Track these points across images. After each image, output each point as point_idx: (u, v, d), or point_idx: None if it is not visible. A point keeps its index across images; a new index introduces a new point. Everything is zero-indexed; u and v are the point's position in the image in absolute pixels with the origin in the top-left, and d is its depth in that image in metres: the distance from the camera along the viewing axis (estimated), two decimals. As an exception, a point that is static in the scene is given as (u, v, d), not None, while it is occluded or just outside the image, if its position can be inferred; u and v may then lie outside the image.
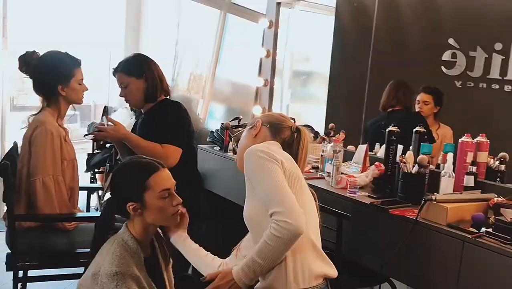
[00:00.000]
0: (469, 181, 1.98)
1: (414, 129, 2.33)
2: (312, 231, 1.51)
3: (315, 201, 1.63)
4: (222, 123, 2.99)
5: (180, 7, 4.25)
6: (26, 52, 2.25)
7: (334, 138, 2.56)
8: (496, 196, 1.85)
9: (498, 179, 2.14)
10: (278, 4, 3.22)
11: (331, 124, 3.24)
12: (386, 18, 3.03)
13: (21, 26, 4.32)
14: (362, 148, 2.53)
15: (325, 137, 2.81)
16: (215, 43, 4.19)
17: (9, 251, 2.16)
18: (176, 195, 1.63)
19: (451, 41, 2.76)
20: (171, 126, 2.35)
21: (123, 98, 2.44)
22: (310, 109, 4.27)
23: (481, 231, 1.64)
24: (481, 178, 2.12)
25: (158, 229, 1.76)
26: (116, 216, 1.69)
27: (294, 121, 1.77)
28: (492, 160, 2.22)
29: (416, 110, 2.84)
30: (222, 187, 2.90)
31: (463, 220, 1.75)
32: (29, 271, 2.33)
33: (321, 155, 2.54)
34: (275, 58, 3.27)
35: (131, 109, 3.68)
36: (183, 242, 1.73)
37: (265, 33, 3.29)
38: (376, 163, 2.35)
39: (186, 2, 4.20)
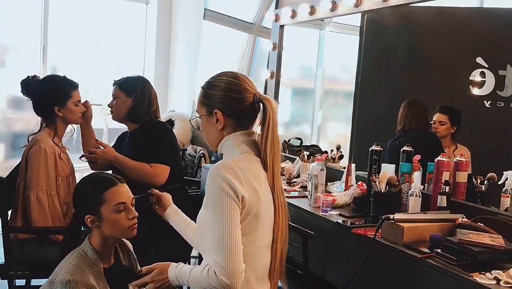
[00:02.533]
0: (441, 201, 1.94)
1: (402, 149, 2.31)
2: (257, 272, 1.48)
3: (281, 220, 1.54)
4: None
5: (201, 30, 4.42)
6: (27, 76, 2.45)
7: (317, 157, 2.56)
8: (464, 217, 1.80)
9: (478, 200, 2.07)
10: (282, 26, 3.29)
11: (338, 144, 3.25)
12: (411, 38, 3.03)
13: (59, 52, 4.66)
14: (352, 167, 2.52)
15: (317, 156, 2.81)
16: (240, 65, 4.31)
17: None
18: (132, 209, 1.71)
19: (479, 60, 2.70)
20: (157, 145, 2.45)
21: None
22: (340, 129, 4.27)
23: (432, 252, 1.60)
24: (461, 198, 2.07)
25: (124, 240, 1.84)
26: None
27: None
28: (477, 180, 2.16)
29: (432, 130, 2.79)
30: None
31: (423, 240, 1.72)
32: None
33: (308, 174, 2.56)
34: (279, 80, 3.34)
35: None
36: (173, 217, 1.82)
37: (270, 55, 3.37)
38: (359, 183, 2.34)
39: (207, 24, 4.36)
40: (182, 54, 4.87)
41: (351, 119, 3.23)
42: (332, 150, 3.06)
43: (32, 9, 4.49)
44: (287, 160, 3.06)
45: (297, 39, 4.02)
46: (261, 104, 1.48)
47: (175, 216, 1.82)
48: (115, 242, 1.78)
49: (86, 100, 2.58)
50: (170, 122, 4.27)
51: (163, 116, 4.35)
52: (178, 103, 4.86)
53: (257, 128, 1.51)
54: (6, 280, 2.30)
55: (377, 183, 2.01)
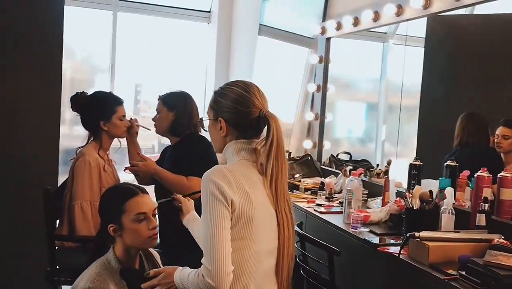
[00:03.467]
0: (480, 219, 1.79)
1: (445, 163, 2.18)
2: (257, 279, 1.47)
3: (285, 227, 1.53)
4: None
5: (256, 45, 4.47)
6: (76, 92, 2.60)
7: (353, 171, 2.48)
8: (502, 237, 1.65)
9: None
10: (328, 39, 3.25)
11: (389, 159, 3.12)
12: (479, 47, 2.87)
13: (125, 70, 4.96)
14: (391, 182, 2.41)
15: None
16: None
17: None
18: (153, 219, 1.75)
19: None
20: (195, 159, 2.49)
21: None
22: (405, 144, 4.13)
23: (456, 273, 1.48)
24: (506, 217, 1.90)
25: (151, 250, 1.89)
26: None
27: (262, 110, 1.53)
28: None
29: (495, 145, 2.61)
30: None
31: (452, 260, 1.59)
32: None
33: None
34: (326, 93, 3.28)
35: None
36: (191, 225, 1.84)
37: (316, 68, 3.33)
38: (397, 199, 2.23)
39: (263, 39, 4.41)
40: (238, 70, 4.96)
41: (416, 133, 3.10)
42: (378, 165, 2.95)
43: (103, 33, 4.83)
44: (332, 175, 2.99)
45: (359, 52, 3.95)
46: (266, 121, 1.49)
47: (193, 224, 1.83)
48: (138, 252, 1.82)
49: (131, 118, 2.70)
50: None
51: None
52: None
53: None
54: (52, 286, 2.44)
55: (409, 198, 1.90)
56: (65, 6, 3.37)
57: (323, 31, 3.26)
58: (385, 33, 3.64)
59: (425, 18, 2.75)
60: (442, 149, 2.91)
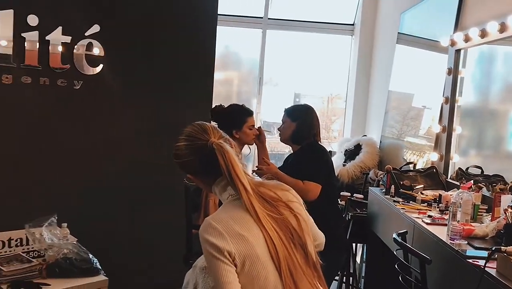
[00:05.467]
0: None
1: None
2: None
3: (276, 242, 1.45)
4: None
5: (394, 52, 4.52)
6: (216, 105, 3.05)
7: (462, 185, 2.45)
8: None
9: None
10: (458, 51, 3.20)
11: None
12: None
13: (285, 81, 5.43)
14: (507, 198, 2.34)
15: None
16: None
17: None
18: None
19: None
20: (312, 165, 2.75)
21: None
22: None
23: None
24: None
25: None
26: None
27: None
28: None
29: None
30: (381, 228, 3.06)
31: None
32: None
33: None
34: (454, 105, 3.23)
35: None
36: None
37: (445, 79, 3.30)
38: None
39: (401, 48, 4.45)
40: (377, 80, 5.05)
41: None
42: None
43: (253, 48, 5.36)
44: (455, 188, 2.96)
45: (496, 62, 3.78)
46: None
47: None
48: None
49: (260, 126, 3.06)
50: (358, 147, 4.49)
51: (354, 140, 4.61)
52: (370, 128, 5.03)
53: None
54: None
55: (509, 213, 1.89)
56: (218, 27, 3.91)
57: (453, 43, 3.23)
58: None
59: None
60: None
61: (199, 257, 2.08)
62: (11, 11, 2.91)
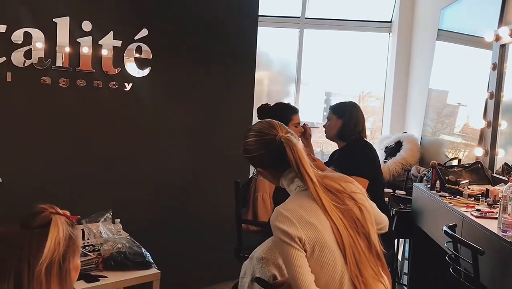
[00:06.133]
0: None
1: None
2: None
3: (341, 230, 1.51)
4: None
5: (434, 49, 4.51)
6: (262, 104, 3.14)
7: (511, 178, 2.46)
8: None
9: None
10: (502, 46, 3.19)
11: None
12: None
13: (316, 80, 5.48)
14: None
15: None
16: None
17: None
18: None
19: None
20: (357, 160, 2.80)
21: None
22: None
23: None
24: None
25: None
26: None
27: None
28: None
29: None
30: (427, 223, 3.09)
31: None
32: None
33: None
34: (499, 100, 3.22)
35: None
36: None
37: (490, 75, 3.29)
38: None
39: (441, 44, 4.44)
40: (416, 77, 5.05)
41: None
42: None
43: (283, 48, 5.43)
44: (502, 183, 2.96)
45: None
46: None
47: None
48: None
49: (305, 123, 3.13)
50: (398, 144, 4.50)
51: (394, 137, 4.63)
52: (410, 125, 5.03)
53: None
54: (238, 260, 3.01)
55: None
56: (258, 28, 4.02)
57: (497, 38, 3.22)
58: None
59: None
60: None
61: (250, 250, 2.17)
62: (67, 18, 3.07)
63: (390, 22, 5.52)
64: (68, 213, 1.37)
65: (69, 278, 1.32)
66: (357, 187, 1.64)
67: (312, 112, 5.68)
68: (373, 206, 1.67)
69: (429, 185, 3.20)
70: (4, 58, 2.86)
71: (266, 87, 5.51)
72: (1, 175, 2.85)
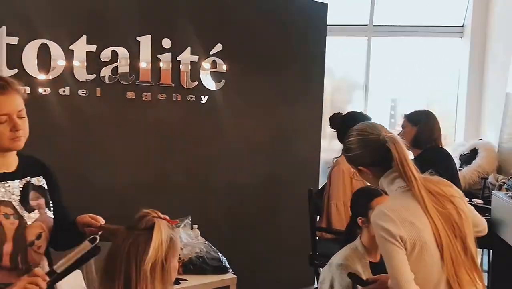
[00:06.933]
0: None
1: None
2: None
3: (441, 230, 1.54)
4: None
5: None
6: (334, 113, 3.18)
7: None
8: None
9: None
10: None
11: None
12: None
13: (380, 87, 5.45)
14: None
15: None
16: None
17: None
18: None
19: None
20: (435, 169, 2.75)
21: None
22: None
23: None
24: None
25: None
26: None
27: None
28: None
29: None
30: (510, 233, 2.99)
31: None
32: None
33: None
34: None
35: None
36: None
37: None
38: None
39: None
40: (492, 82, 4.88)
41: None
42: None
43: (358, 55, 5.42)
44: None
45: None
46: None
47: None
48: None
49: None
50: (474, 151, 4.37)
51: (469, 144, 4.50)
52: (486, 131, 4.86)
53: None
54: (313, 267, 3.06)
55: None
56: (327, 37, 4.08)
57: None
58: None
59: None
60: None
61: (324, 257, 2.22)
62: (149, 36, 3.28)
63: (462, 26, 5.38)
64: (168, 218, 1.50)
65: (170, 277, 1.44)
66: (456, 191, 1.67)
67: (378, 120, 5.60)
68: (471, 209, 1.69)
69: (511, 194, 3.11)
70: (94, 75, 3.09)
71: (329, 95, 5.54)
72: (93, 181, 3.08)
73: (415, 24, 5.37)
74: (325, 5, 4.11)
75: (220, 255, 2.89)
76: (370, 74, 5.37)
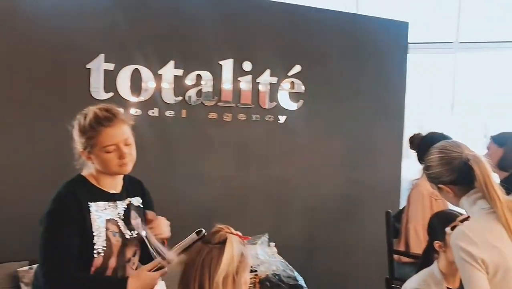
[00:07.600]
0: None
1: None
2: None
3: None
4: None
5: None
6: (414, 134, 3.12)
7: None
8: None
9: None
10: None
11: None
12: None
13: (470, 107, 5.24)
14: None
15: None
16: None
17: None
18: None
19: None
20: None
21: None
22: None
23: None
24: None
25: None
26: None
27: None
28: None
29: None
30: None
31: None
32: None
33: None
34: None
35: None
36: None
37: None
38: None
39: None
40: None
41: None
42: None
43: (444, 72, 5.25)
44: None
45: None
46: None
47: None
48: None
49: None
50: None
51: None
52: None
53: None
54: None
55: None
56: (408, 55, 4.03)
57: None
58: None
59: None
60: None
61: (402, 281, 2.17)
62: (231, 60, 3.45)
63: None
64: (240, 234, 1.58)
65: None
66: None
67: (468, 142, 5.29)
68: None
69: None
70: (181, 98, 3.31)
71: (412, 115, 5.39)
72: (177, 198, 3.26)
73: (506, 39, 5.11)
74: (405, 24, 4.07)
75: (296, 273, 2.92)
76: (456, 93, 5.17)
